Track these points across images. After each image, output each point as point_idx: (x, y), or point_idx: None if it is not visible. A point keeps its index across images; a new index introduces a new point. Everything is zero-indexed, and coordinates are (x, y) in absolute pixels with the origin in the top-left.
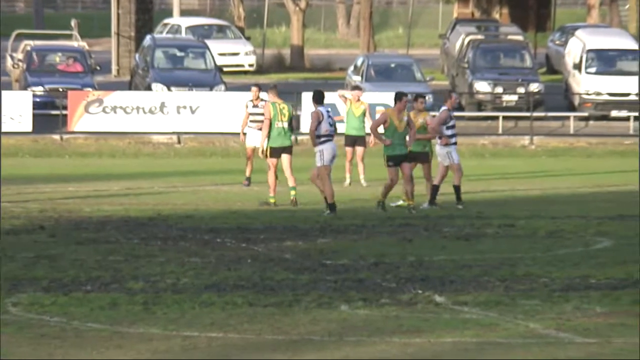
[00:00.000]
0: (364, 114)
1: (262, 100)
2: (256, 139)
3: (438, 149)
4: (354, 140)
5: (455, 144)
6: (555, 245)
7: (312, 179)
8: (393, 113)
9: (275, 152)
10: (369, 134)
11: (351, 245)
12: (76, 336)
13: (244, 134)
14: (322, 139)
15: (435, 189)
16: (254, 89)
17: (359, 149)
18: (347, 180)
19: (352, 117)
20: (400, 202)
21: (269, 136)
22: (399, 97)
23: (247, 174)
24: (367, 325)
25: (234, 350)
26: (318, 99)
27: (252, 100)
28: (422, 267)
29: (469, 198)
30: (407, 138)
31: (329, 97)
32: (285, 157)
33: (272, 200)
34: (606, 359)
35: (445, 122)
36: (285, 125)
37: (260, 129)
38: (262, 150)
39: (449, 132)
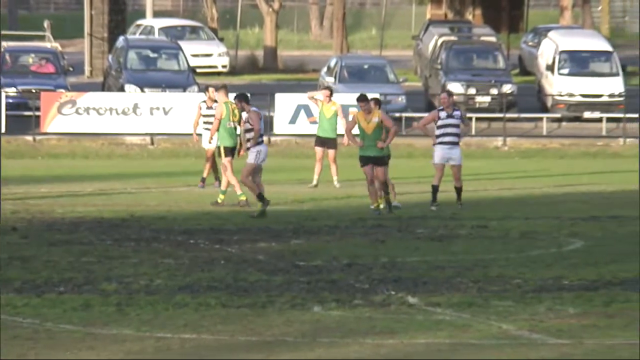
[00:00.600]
0: (336, 115)
1: (216, 102)
2: (213, 141)
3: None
4: (323, 142)
5: (441, 143)
6: (528, 247)
7: (243, 178)
8: (360, 115)
9: (231, 152)
10: (341, 135)
11: (324, 247)
12: (49, 337)
13: (199, 135)
14: (260, 140)
15: (433, 189)
16: (210, 89)
17: (331, 152)
18: (314, 182)
19: (323, 118)
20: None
21: (221, 136)
22: (359, 99)
23: (205, 174)
24: (340, 326)
25: (207, 352)
26: (247, 99)
27: (205, 102)
28: (395, 268)
29: (442, 199)
30: (384, 138)
31: (302, 98)
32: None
33: (242, 198)
34: (578, 359)
35: (434, 120)
36: (237, 125)
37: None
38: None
39: (438, 132)
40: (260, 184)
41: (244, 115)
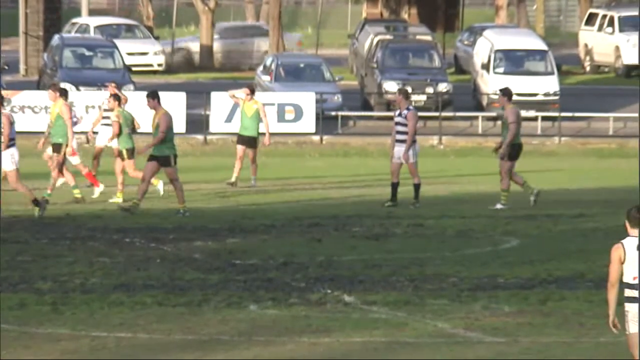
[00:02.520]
0: (257, 114)
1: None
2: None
3: None
4: (244, 140)
5: (398, 141)
6: (464, 245)
7: (15, 185)
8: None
9: (133, 153)
10: (262, 134)
11: (260, 245)
12: None
13: (95, 132)
14: (12, 142)
15: (414, 187)
16: (112, 85)
17: (250, 151)
18: (232, 179)
19: (244, 117)
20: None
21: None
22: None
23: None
24: (276, 325)
25: (142, 351)
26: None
27: (108, 100)
28: (331, 267)
29: (378, 198)
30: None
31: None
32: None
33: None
34: (514, 358)
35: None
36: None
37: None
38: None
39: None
40: (24, 189)
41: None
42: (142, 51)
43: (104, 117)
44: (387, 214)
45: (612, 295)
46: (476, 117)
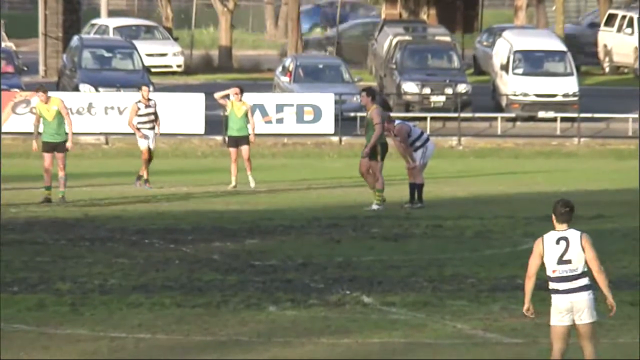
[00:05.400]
0: (246, 115)
1: (150, 100)
2: (149, 140)
3: None
4: (236, 141)
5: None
6: (483, 246)
7: None
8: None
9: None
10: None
11: (279, 246)
12: (3, 337)
13: (133, 134)
14: None
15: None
16: (144, 88)
17: (244, 149)
18: (233, 183)
19: (234, 117)
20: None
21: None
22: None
23: (145, 175)
24: (295, 326)
25: (161, 351)
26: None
27: (140, 101)
28: (350, 268)
29: (397, 199)
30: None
31: (257, 97)
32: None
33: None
34: (532, 359)
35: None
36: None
37: (152, 129)
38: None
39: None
40: None
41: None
42: (161, 52)
43: (143, 122)
44: (405, 215)
45: (528, 286)
46: (495, 118)
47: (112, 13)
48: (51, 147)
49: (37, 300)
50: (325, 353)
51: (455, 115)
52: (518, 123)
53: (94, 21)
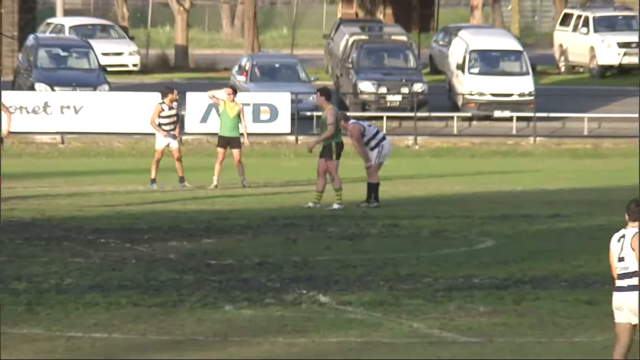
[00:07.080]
0: (238, 115)
1: (176, 101)
2: (165, 140)
3: None
4: (227, 142)
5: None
6: (439, 245)
7: None
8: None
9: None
10: (241, 134)
11: (236, 246)
12: None
13: (153, 134)
14: None
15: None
16: (175, 91)
17: (235, 152)
18: (214, 182)
19: (226, 118)
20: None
21: None
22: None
23: (153, 174)
24: (252, 325)
25: (118, 351)
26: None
27: (164, 102)
28: (306, 267)
29: (353, 199)
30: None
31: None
32: None
33: None
34: (488, 358)
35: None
36: None
37: (172, 130)
38: None
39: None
40: None
41: None
42: (117, 51)
43: (167, 123)
44: (362, 214)
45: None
46: (451, 118)
47: (67, 12)
48: None
49: None
50: (282, 352)
51: (412, 114)
52: (474, 122)
53: (49, 20)
